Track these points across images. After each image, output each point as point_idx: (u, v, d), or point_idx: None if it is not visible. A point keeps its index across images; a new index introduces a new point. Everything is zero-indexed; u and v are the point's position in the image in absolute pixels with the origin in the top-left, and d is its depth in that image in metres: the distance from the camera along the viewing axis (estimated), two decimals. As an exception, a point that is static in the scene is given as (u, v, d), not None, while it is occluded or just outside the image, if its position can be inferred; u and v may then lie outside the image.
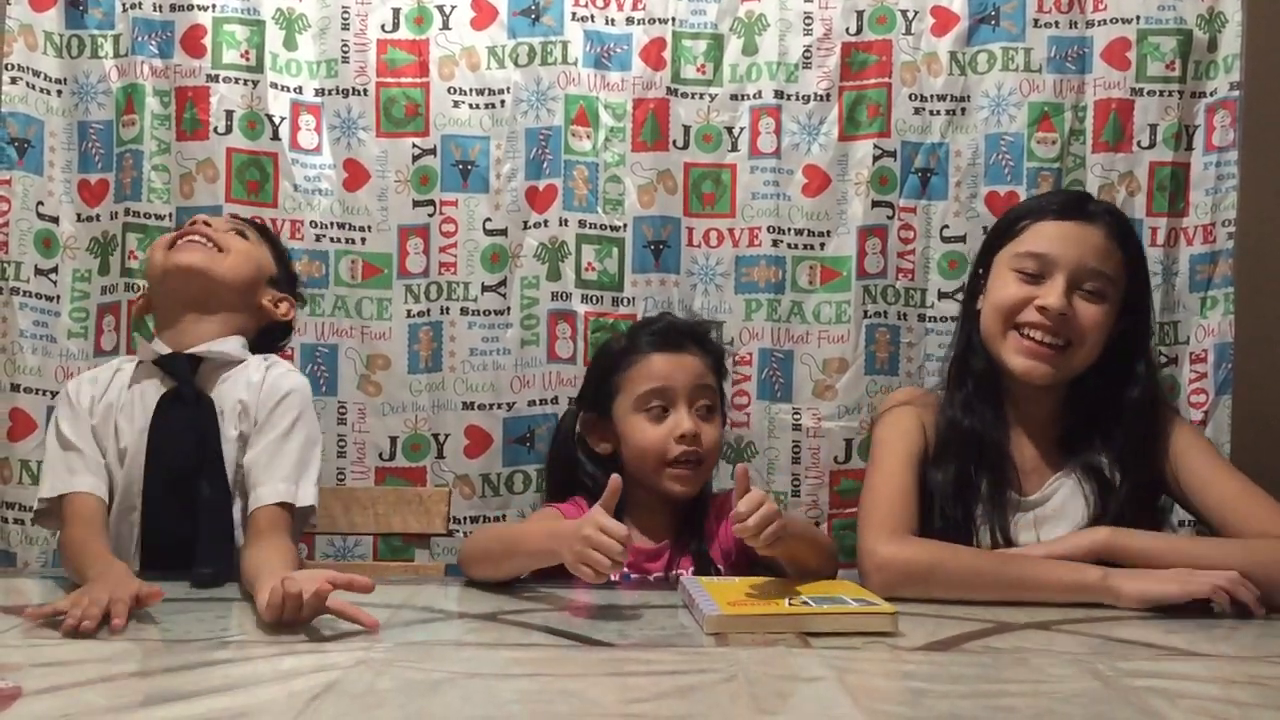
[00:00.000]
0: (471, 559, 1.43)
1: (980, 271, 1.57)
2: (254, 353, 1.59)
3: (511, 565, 1.37)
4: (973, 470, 1.48)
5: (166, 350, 1.54)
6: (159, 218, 1.93)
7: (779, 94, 1.95)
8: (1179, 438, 1.50)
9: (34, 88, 1.91)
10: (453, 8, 1.95)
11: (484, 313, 1.95)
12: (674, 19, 1.96)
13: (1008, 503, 1.48)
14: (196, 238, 1.57)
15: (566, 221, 1.95)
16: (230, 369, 1.54)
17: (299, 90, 1.96)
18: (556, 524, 1.39)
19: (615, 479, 1.29)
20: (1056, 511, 1.48)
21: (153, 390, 1.52)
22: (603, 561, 1.21)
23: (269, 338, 1.65)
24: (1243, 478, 1.45)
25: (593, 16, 1.96)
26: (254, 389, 1.52)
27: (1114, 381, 1.50)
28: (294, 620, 1.11)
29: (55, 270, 1.93)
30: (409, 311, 1.95)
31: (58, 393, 1.87)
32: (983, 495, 1.48)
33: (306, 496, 1.47)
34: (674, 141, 1.96)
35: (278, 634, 1.10)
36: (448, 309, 1.95)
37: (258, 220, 1.80)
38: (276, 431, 1.50)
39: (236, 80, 1.93)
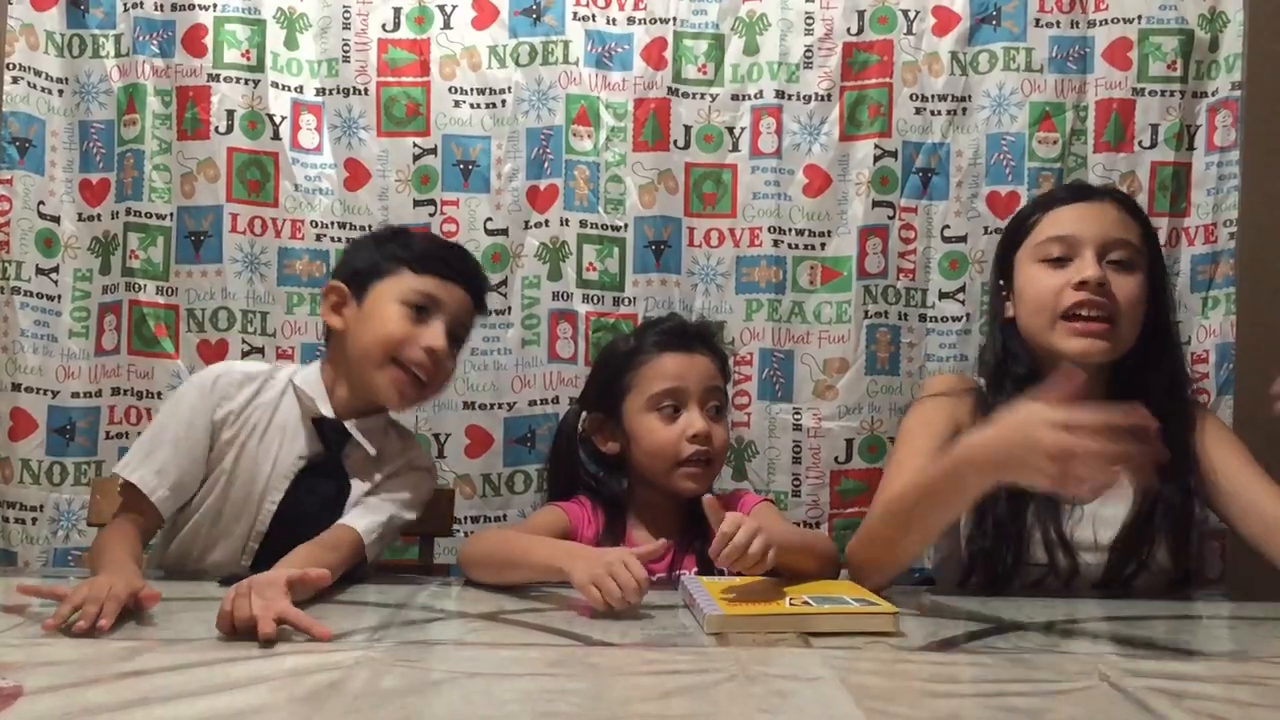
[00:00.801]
0: (472, 562, 1.42)
1: (1001, 282, 1.56)
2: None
3: (514, 575, 1.36)
4: None
5: (328, 409, 1.50)
6: (160, 217, 1.93)
7: (780, 94, 1.95)
8: (1206, 428, 1.50)
9: (35, 87, 1.92)
10: (454, 7, 1.95)
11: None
12: (675, 19, 1.96)
13: (1061, 502, 1.47)
14: (422, 373, 1.48)
15: (567, 221, 1.95)
16: (369, 441, 1.53)
17: (300, 90, 1.96)
18: (573, 546, 1.37)
19: (663, 543, 1.31)
20: (1112, 510, 1.47)
21: (298, 435, 1.49)
22: (614, 591, 1.19)
23: None
24: (1265, 477, 1.44)
25: (594, 16, 1.96)
26: (387, 477, 1.53)
27: (1148, 364, 1.51)
28: (246, 635, 1.08)
29: (56, 270, 1.93)
30: (410, 311, 1.95)
31: (58, 392, 1.89)
32: (1036, 496, 1.45)
33: (373, 551, 1.47)
34: (675, 141, 1.96)
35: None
36: (449, 308, 1.95)
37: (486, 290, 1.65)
38: (389, 496, 1.51)
39: (237, 80, 1.93)
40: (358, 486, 1.51)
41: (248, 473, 1.48)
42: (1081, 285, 1.43)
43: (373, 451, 1.51)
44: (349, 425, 1.51)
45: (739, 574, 1.42)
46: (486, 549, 1.43)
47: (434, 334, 1.48)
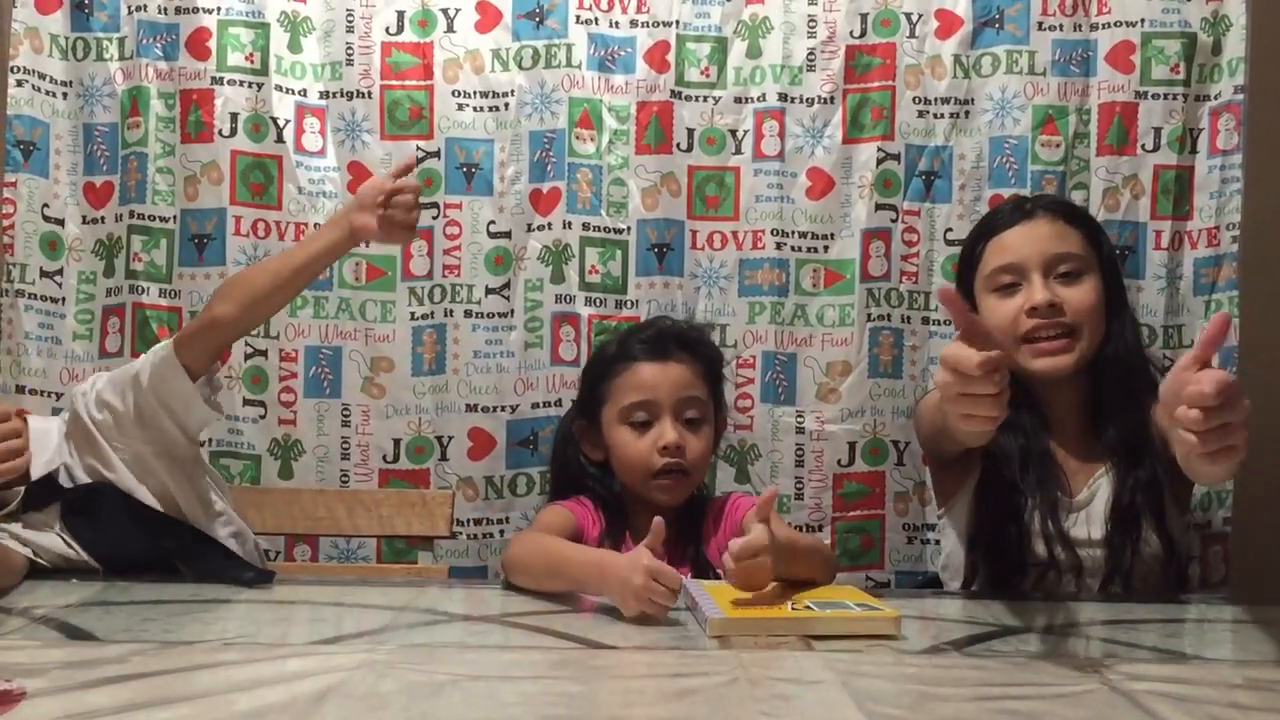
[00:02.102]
0: (514, 566, 1.40)
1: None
2: None
3: (553, 585, 1.34)
4: (1018, 484, 1.50)
5: (15, 497, 1.48)
6: (163, 220, 1.93)
7: (783, 97, 1.95)
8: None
9: (40, 90, 1.92)
10: (457, 10, 1.95)
11: (488, 315, 1.95)
12: (678, 22, 1.96)
13: (1059, 505, 1.50)
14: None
15: (570, 224, 1.95)
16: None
17: (303, 93, 1.96)
18: (604, 560, 1.31)
19: (658, 522, 1.24)
20: (1105, 507, 1.51)
21: (38, 531, 1.46)
22: (662, 608, 1.18)
23: None
24: None
25: (597, 19, 1.96)
26: (60, 440, 1.49)
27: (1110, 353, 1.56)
28: None
29: (60, 273, 1.93)
30: (413, 314, 1.95)
31: (62, 394, 1.89)
32: (1035, 504, 1.49)
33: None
34: (678, 144, 1.96)
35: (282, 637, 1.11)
36: (451, 311, 1.95)
37: None
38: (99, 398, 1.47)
39: (241, 83, 1.93)
40: (100, 462, 1.48)
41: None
42: (1033, 311, 1.50)
43: (44, 457, 1.48)
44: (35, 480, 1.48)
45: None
46: (526, 555, 1.40)
47: None
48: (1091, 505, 1.52)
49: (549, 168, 1.96)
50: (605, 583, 1.24)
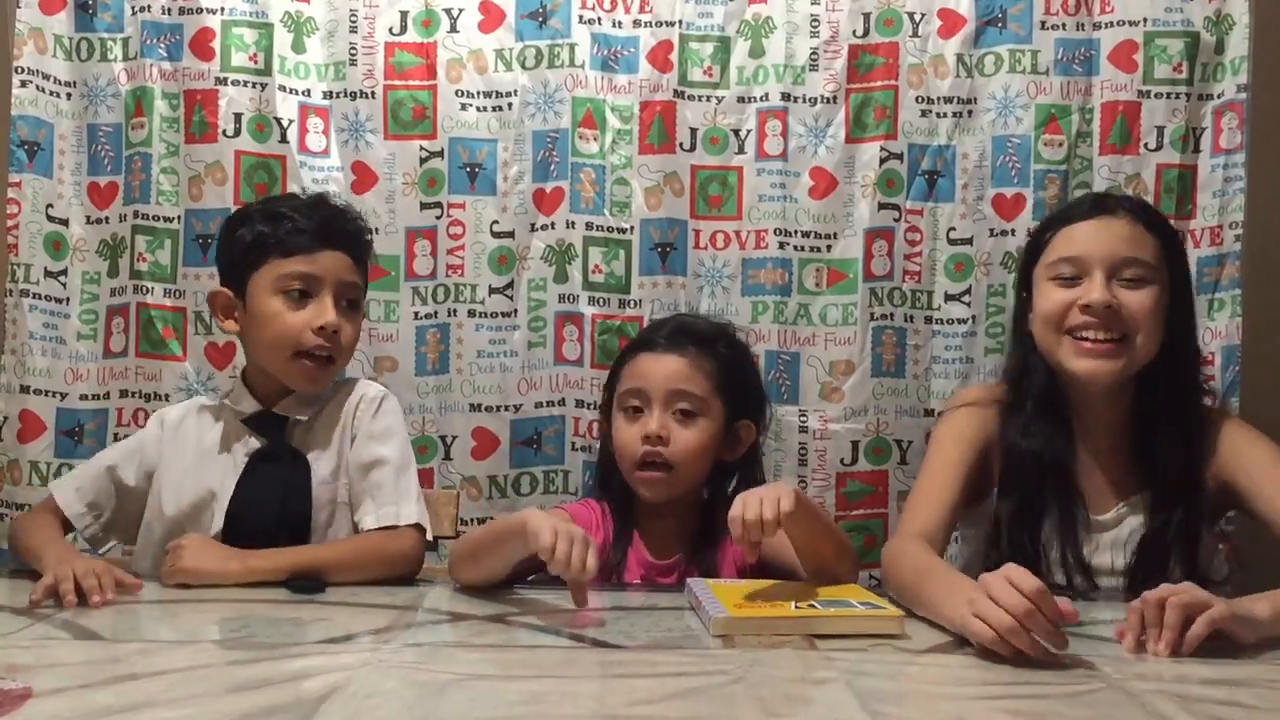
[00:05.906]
0: (455, 559, 1.41)
1: (1024, 295, 1.54)
2: None
3: (488, 561, 1.34)
4: (1034, 493, 1.45)
5: (252, 403, 1.53)
6: (168, 220, 1.94)
7: (786, 96, 1.95)
8: (1228, 437, 1.46)
9: (44, 91, 1.92)
10: (460, 10, 1.96)
11: (491, 315, 1.95)
12: (681, 21, 1.96)
13: (1079, 523, 1.45)
14: (325, 352, 1.49)
15: (573, 224, 1.96)
16: (314, 408, 1.53)
17: (307, 93, 1.96)
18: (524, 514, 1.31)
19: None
20: (1133, 537, 1.46)
21: (236, 438, 1.53)
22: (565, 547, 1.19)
23: None
24: None
25: (600, 19, 1.96)
26: (343, 435, 1.52)
27: (1164, 378, 1.47)
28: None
29: (65, 272, 1.93)
30: (416, 313, 1.96)
31: (66, 394, 1.90)
32: (1051, 518, 1.45)
33: (415, 512, 1.49)
34: (681, 144, 1.96)
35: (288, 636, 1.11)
36: (455, 311, 1.96)
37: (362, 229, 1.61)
38: (368, 454, 1.50)
39: (245, 83, 1.94)
40: (320, 458, 1.50)
41: (190, 491, 1.50)
42: (1086, 309, 1.42)
43: (303, 417, 1.52)
44: (277, 409, 1.53)
45: (746, 576, 1.42)
46: (462, 544, 1.41)
47: (320, 312, 1.48)
48: (1118, 530, 1.46)
49: (552, 167, 1.96)
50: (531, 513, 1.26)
